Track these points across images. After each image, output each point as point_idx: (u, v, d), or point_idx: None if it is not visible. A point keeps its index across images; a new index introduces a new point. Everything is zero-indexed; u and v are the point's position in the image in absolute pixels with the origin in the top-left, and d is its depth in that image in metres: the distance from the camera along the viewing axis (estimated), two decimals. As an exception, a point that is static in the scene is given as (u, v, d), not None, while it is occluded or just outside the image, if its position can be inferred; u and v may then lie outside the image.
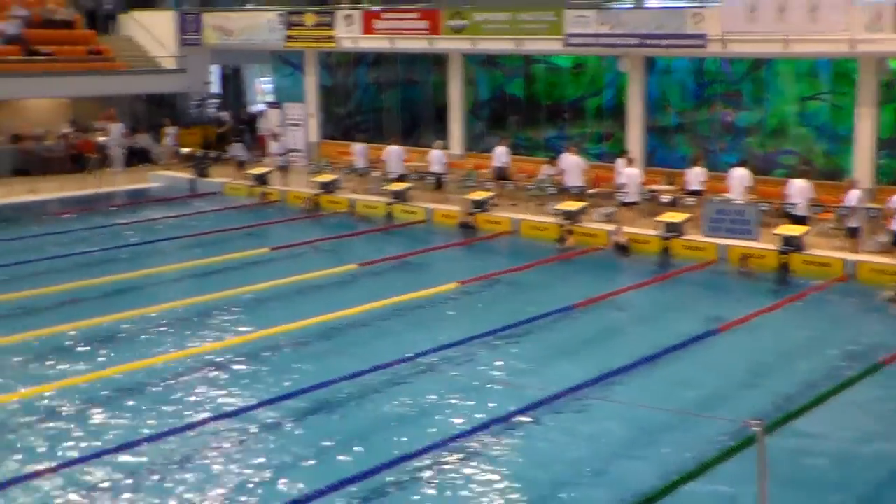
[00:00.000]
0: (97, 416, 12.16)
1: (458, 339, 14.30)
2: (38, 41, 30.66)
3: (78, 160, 29.16)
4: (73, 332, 14.97)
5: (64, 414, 12.20)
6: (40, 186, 26.73)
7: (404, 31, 26.80)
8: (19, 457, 11.06)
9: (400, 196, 23.46)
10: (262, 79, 36.93)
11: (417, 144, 26.76)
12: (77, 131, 30.10)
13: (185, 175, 27.92)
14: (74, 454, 11.02)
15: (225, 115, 34.09)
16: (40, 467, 10.69)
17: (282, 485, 10.33)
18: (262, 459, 10.92)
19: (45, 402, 12.54)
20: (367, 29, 27.53)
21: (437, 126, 27.68)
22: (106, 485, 10.38)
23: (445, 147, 25.67)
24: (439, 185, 24.21)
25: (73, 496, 10.17)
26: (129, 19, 33.89)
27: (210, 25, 31.29)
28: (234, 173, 27.49)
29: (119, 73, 31.15)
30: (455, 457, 10.87)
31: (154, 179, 28.13)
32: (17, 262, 19.32)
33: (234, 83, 37.50)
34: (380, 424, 11.83)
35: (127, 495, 10.18)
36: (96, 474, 10.57)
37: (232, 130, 32.14)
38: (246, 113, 35.95)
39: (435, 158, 24.50)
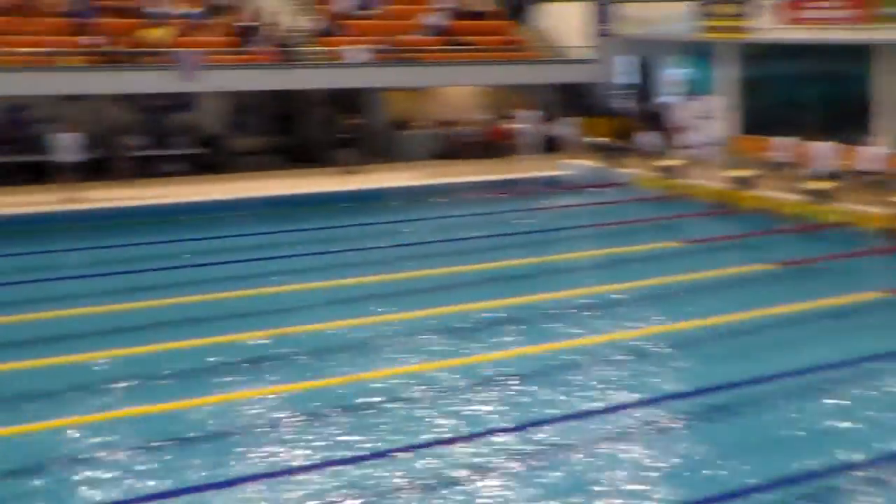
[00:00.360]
0: (471, 398, 12.25)
1: (872, 353, 13.12)
2: (460, 32, 32.30)
3: (493, 146, 30.41)
4: (475, 312, 15.46)
5: (441, 392, 12.46)
6: (458, 170, 28.09)
7: (827, 21, 25.22)
8: (382, 433, 11.30)
9: (825, 195, 22.05)
10: (672, 70, 36.46)
11: (841, 140, 25.09)
12: (495, 118, 31.36)
13: (594, 164, 28.15)
14: (429, 437, 11.07)
15: (631, 105, 34.03)
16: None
17: (658, 489, 9.84)
18: (640, 461, 10.46)
19: (430, 378, 12.85)
20: (787, 19, 26.24)
21: (865, 122, 25.74)
22: (456, 471, 10.34)
23: (881, 144, 23.84)
24: (873, 185, 22.40)
25: (426, 474, 10.27)
26: (544, 10, 34.78)
27: (623, 16, 31.34)
28: (642, 164, 27.35)
29: (533, 62, 32.06)
30: (850, 486, 9.81)
31: (564, 167, 28.61)
32: (426, 242, 20.65)
33: (644, 74, 37.31)
34: (772, 438, 10.96)
35: (494, 478, 10.16)
36: (456, 455, 10.64)
37: (638, 121, 31.99)
38: (654, 104, 35.66)
39: (869, 156, 22.80)
